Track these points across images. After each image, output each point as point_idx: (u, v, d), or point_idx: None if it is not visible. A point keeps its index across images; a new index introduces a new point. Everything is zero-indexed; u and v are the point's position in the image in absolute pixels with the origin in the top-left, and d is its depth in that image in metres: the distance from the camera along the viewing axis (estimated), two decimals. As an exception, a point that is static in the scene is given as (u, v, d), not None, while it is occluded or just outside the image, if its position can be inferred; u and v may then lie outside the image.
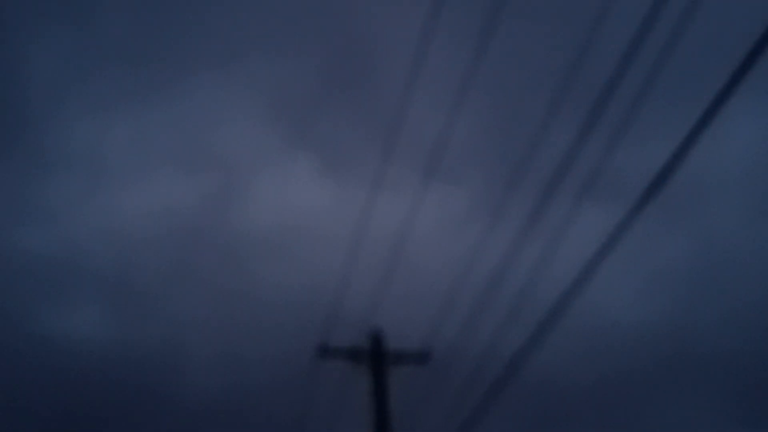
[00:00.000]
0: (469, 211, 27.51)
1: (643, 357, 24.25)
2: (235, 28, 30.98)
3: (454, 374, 11.04)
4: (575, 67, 7.85)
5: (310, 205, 30.59)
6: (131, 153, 31.74)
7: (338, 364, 12.34)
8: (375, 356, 12.05)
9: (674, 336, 24.61)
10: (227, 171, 32.03)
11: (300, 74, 32.06)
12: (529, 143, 8.67)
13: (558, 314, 7.97)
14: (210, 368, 27.54)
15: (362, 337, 12.30)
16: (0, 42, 29.65)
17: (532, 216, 8.48)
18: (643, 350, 24.39)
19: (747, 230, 26.64)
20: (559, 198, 8.24)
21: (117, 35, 30.71)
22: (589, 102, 7.58)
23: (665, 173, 6.57)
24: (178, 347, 28.46)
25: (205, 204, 31.36)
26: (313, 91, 32.01)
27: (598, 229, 7.55)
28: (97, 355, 27.87)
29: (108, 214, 30.66)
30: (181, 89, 31.49)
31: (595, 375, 24.02)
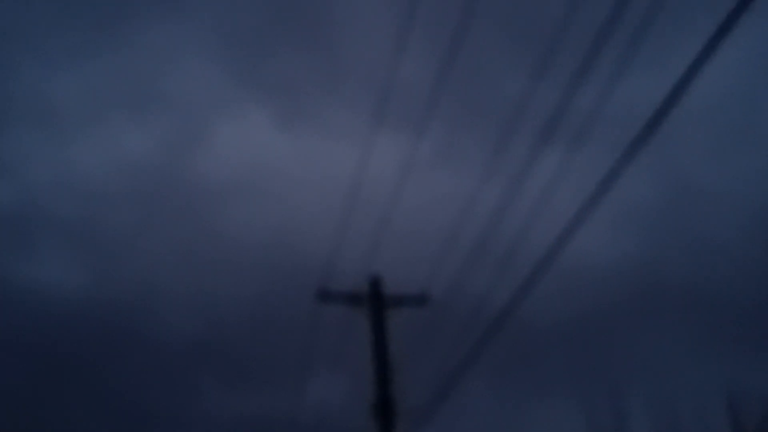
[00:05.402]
0: (467, 155, 27.80)
1: (616, 292, 24.95)
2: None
3: (452, 317, 11.55)
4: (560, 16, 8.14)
5: (268, 146, 30.48)
6: (81, 101, 31.40)
7: (338, 308, 12.83)
8: (374, 299, 12.53)
9: (645, 271, 25.33)
10: (182, 113, 31.72)
11: (250, 10, 31.39)
12: (523, 93, 9.01)
13: (549, 261, 8.42)
14: (186, 310, 27.92)
15: (360, 282, 12.76)
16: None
17: (526, 162, 8.88)
18: (616, 286, 25.09)
19: (712, 166, 27.19)
20: (549, 146, 8.63)
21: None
22: (567, 48, 7.90)
23: (650, 127, 6.93)
24: (152, 290, 28.79)
25: (163, 147, 31.21)
26: (264, 29, 31.41)
27: (588, 175, 7.95)
28: (70, 298, 28.18)
29: (64, 163, 30.62)
30: (127, 31, 30.72)
31: (574, 312, 24.73)
